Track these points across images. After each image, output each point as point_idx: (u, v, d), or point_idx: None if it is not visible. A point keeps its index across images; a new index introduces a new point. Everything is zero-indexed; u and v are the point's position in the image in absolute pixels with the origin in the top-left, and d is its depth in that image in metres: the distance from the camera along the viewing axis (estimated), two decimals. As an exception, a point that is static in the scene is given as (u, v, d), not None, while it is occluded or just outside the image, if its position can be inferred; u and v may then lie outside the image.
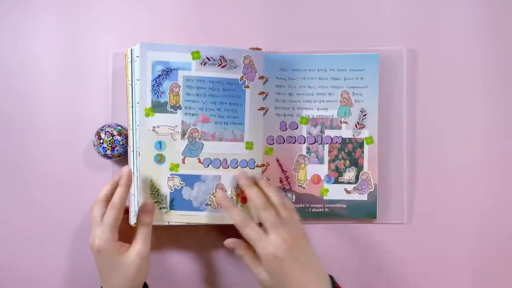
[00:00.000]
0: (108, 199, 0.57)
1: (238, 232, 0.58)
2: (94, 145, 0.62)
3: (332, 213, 0.65)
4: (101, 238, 0.54)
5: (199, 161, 0.60)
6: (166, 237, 0.66)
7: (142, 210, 0.58)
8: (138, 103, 0.59)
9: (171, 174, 0.60)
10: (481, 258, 0.66)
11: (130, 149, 0.60)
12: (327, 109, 0.65)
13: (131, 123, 0.60)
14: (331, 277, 0.56)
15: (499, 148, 0.66)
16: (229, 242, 0.59)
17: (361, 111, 0.64)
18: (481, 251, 0.66)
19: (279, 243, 0.53)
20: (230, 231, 0.65)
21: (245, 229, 0.55)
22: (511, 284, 0.66)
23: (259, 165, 0.62)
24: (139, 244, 0.55)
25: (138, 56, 0.59)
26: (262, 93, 0.62)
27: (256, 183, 0.59)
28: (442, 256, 0.66)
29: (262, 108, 0.62)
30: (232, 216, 0.56)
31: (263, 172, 0.64)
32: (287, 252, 0.53)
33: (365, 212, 0.65)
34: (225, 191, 0.61)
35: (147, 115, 0.59)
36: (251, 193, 0.57)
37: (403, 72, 0.65)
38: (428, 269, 0.66)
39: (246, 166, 0.61)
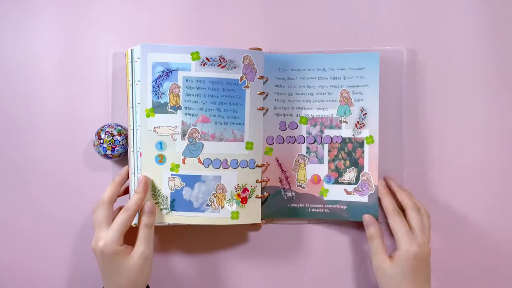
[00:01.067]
0: (112, 201, 0.58)
1: (236, 235, 0.59)
2: (94, 145, 0.62)
3: (332, 214, 0.65)
4: (107, 241, 0.54)
5: (199, 161, 0.60)
6: (167, 238, 0.66)
7: (143, 211, 0.58)
8: (139, 103, 0.59)
9: (171, 175, 0.60)
10: (481, 259, 0.66)
11: (130, 149, 0.60)
12: (326, 108, 0.65)
13: (131, 123, 0.60)
14: None
15: (499, 148, 0.66)
16: (367, 217, 0.62)
17: (361, 110, 0.64)
18: (481, 252, 0.66)
19: (423, 245, 0.57)
20: (230, 231, 0.66)
21: (395, 218, 0.59)
22: (511, 285, 0.66)
23: (259, 165, 0.62)
24: (142, 246, 0.56)
25: (138, 58, 0.59)
26: (262, 93, 0.62)
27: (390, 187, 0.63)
28: (441, 257, 0.66)
29: (262, 108, 0.63)
30: (385, 202, 0.61)
31: (263, 172, 0.64)
32: (425, 255, 0.58)
33: (365, 213, 0.65)
34: (226, 191, 0.61)
35: (147, 115, 0.59)
36: (404, 195, 0.61)
37: (403, 71, 0.65)
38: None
39: (246, 167, 0.62)
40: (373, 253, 0.60)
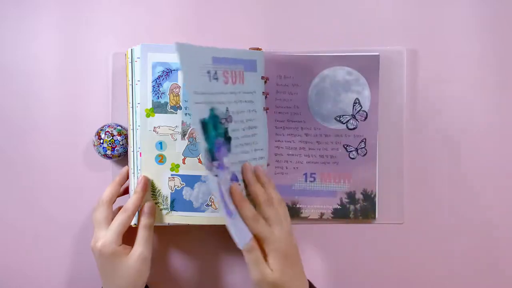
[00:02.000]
0: (112, 201, 0.58)
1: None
2: (94, 145, 0.62)
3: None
4: (105, 241, 0.54)
5: (200, 161, 0.60)
6: (167, 238, 0.66)
7: (142, 212, 0.58)
8: (139, 103, 0.59)
9: (171, 175, 0.60)
10: (481, 259, 0.66)
11: (130, 149, 0.60)
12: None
13: (131, 123, 0.60)
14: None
15: (499, 148, 0.66)
16: None
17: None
18: (481, 252, 0.66)
19: (285, 240, 0.53)
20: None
21: (256, 224, 0.53)
22: (511, 285, 0.66)
23: (268, 164, 0.63)
24: (141, 247, 0.56)
25: (139, 58, 0.59)
26: (263, 93, 0.62)
27: (258, 178, 0.58)
28: (441, 257, 0.66)
29: (266, 108, 0.63)
30: (244, 211, 0.54)
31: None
32: (290, 249, 0.54)
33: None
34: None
35: (147, 115, 0.59)
36: (257, 189, 0.56)
37: (403, 72, 0.65)
38: (427, 270, 0.66)
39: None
40: (252, 265, 0.52)
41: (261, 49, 0.63)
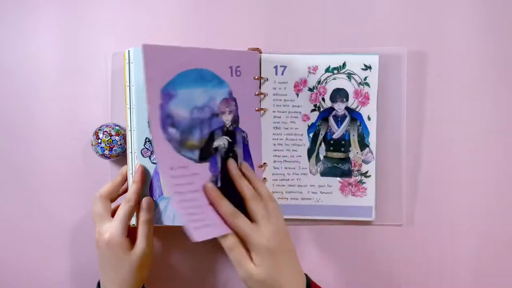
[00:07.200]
0: (109, 196, 0.58)
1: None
2: (92, 145, 0.62)
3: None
4: (112, 232, 0.54)
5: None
6: (166, 238, 0.66)
7: (141, 208, 0.58)
8: (134, 106, 0.59)
9: None
10: (481, 259, 0.66)
11: (128, 150, 0.60)
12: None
13: (129, 124, 0.60)
14: (306, 275, 0.56)
15: (498, 149, 0.65)
16: None
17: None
18: (481, 252, 0.66)
19: (271, 235, 0.52)
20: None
21: (236, 221, 0.52)
22: (510, 286, 0.66)
23: (261, 166, 0.63)
24: (143, 243, 0.56)
25: (132, 63, 0.58)
26: (259, 94, 0.62)
27: (243, 174, 0.58)
28: (441, 257, 0.66)
29: (261, 109, 0.62)
30: (222, 207, 0.53)
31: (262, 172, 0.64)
32: (278, 244, 0.52)
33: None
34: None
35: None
36: (242, 184, 0.56)
37: (403, 72, 0.65)
38: (427, 270, 0.66)
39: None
40: (237, 264, 0.52)
41: (259, 49, 0.63)
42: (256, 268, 0.51)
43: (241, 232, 0.52)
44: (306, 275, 0.56)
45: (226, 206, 0.53)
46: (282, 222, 0.55)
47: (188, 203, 0.53)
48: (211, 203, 0.54)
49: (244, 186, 0.55)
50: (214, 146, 0.57)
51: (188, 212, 0.52)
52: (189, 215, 0.52)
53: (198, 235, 0.51)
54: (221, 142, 0.58)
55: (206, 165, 0.56)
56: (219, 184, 0.56)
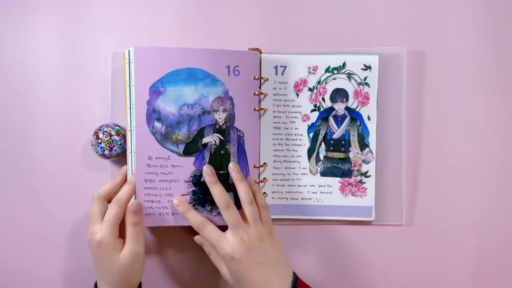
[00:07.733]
0: (107, 196, 0.58)
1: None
2: (92, 144, 0.62)
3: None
4: (103, 233, 0.54)
5: None
6: (164, 238, 0.66)
7: (128, 211, 0.57)
8: (134, 106, 0.59)
9: None
10: (480, 260, 0.66)
11: (128, 150, 0.60)
12: (326, 109, 0.65)
13: (129, 125, 0.60)
14: (295, 274, 0.57)
15: (498, 150, 0.65)
16: (198, 238, 0.63)
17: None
18: (480, 253, 0.66)
19: (236, 243, 0.54)
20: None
21: (202, 232, 0.56)
22: (510, 286, 0.66)
23: (257, 166, 0.62)
24: (131, 244, 0.55)
25: (132, 63, 0.58)
26: (259, 93, 0.62)
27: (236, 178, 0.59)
28: (440, 257, 0.66)
29: (260, 109, 0.62)
30: (189, 219, 0.57)
31: (260, 172, 0.64)
32: (244, 252, 0.54)
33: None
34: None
35: None
36: (243, 187, 0.57)
37: (403, 72, 0.65)
38: (426, 270, 0.66)
39: (244, 167, 0.62)
40: (218, 263, 0.60)
41: (260, 49, 0.63)
42: (230, 244, 0.54)
43: (209, 242, 0.56)
44: (294, 273, 0.57)
45: (192, 217, 0.57)
46: (260, 228, 0.56)
47: (154, 190, 0.58)
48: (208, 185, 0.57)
49: (243, 190, 0.57)
50: (203, 143, 0.59)
51: (149, 200, 0.58)
52: (147, 202, 0.58)
53: (148, 220, 0.58)
54: (211, 139, 0.59)
55: (190, 160, 0.59)
56: (202, 179, 0.58)
